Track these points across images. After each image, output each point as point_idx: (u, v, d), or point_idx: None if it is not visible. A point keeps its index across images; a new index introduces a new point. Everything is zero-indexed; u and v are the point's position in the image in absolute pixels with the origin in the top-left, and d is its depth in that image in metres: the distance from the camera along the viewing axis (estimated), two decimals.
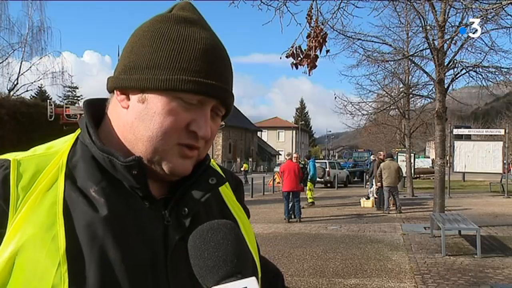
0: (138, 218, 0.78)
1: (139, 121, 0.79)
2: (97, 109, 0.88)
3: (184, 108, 0.79)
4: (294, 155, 13.14)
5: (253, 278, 0.66)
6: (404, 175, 19.35)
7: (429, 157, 49.13)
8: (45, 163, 0.79)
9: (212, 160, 1.02)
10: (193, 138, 0.80)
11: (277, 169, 29.32)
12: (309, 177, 15.37)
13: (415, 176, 25.05)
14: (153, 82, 0.78)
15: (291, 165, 12.36)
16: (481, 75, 11.42)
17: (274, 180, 22.80)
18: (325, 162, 28.33)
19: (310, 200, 15.98)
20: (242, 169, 34.96)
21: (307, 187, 15.76)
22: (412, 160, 20.45)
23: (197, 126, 0.79)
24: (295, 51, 7.18)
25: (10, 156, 0.80)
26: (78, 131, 0.86)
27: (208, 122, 0.81)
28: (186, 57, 0.78)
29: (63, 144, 0.84)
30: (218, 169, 1.01)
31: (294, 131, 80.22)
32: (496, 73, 11.26)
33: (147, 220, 0.79)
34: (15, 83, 28.94)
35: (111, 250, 0.72)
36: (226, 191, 0.97)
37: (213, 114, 0.83)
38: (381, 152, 16.40)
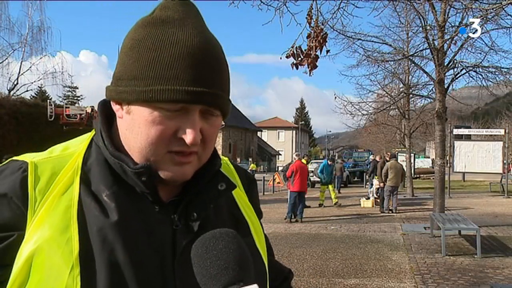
0: (147, 223, 0.79)
1: (129, 132, 0.80)
2: (111, 110, 0.86)
3: (167, 117, 0.76)
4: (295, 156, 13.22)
5: (255, 286, 0.67)
6: None
7: (429, 157, 49.11)
8: (61, 165, 0.81)
9: (226, 159, 1.03)
10: (184, 145, 0.78)
11: (281, 168, 29.23)
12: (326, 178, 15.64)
13: (415, 176, 25.05)
14: (133, 94, 0.77)
15: (303, 166, 12.43)
16: (481, 75, 11.42)
17: (274, 180, 22.78)
18: None
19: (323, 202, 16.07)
20: (249, 169, 35.06)
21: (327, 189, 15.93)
22: (412, 160, 20.45)
23: (184, 133, 0.77)
24: (295, 51, 7.18)
25: (27, 157, 0.81)
26: (93, 132, 0.87)
27: (196, 128, 0.77)
28: (162, 64, 0.75)
29: (79, 145, 0.86)
30: (232, 169, 1.01)
31: (294, 131, 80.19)
32: (496, 73, 11.26)
33: (156, 225, 0.80)
34: (15, 83, 28.91)
35: (120, 255, 0.74)
36: (239, 192, 0.97)
37: (207, 116, 0.80)
38: (388, 153, 16.38)
